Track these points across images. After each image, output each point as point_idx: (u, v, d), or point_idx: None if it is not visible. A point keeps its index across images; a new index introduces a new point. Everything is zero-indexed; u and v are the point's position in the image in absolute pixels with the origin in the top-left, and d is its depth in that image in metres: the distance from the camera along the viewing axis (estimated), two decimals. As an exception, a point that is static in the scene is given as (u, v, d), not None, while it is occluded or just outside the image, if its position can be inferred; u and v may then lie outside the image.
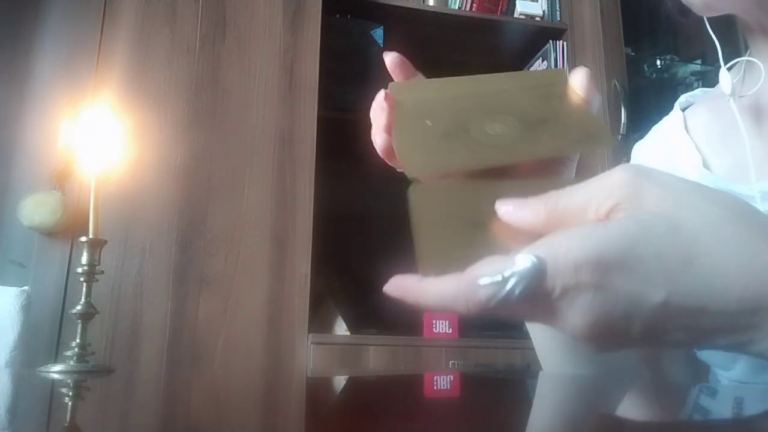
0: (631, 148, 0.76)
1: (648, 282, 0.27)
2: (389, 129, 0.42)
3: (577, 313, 0.28)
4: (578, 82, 0.40)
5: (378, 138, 0.43)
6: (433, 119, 0.39)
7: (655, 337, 0.29)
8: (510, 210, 0.31)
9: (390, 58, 0.45)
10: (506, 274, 0.27)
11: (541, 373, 0.60)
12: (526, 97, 0.40)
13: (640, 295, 0.27)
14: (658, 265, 0.27)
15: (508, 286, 0.27)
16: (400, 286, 0.31)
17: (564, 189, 0.31)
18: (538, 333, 0.57)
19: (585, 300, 0.27)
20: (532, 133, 0.37)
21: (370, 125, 0.44)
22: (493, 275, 0.28)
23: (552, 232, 0.29)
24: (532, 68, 2.19)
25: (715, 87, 0.68)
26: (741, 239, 0.28)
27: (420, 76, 0.46)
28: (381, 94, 0.42)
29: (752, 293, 0.27)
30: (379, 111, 0.42)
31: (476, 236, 0.32)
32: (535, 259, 0.27)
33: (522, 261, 0.27)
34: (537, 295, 0.28)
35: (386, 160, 0.44)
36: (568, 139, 0.38)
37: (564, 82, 0.41)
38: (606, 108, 1.90)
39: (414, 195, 0.34)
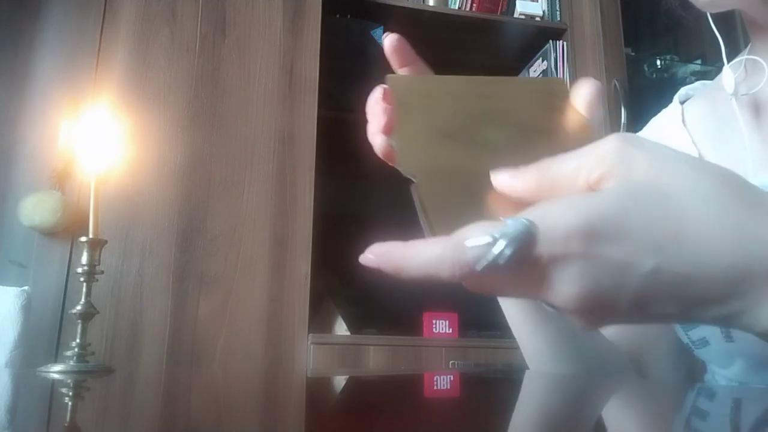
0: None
1: (637, 251, 0.27)
2: (388, 129, 0.39)
3: (566, 283, 0.27)
4: (582, 95, 0.38)
5: (377, 138, 0.40)
6: (433, 116, 0.38)
7: (644, 308, 0.28)
8: (504, 179, 0.31)
9: (389, 41, 0.42)
10: (496, 235, 0.27)
11: (527, 372, 0.60)
12: (526, 105, 0.39)
13: (629, 264, 0.27)
14: (647, 234, 0.27)
15: (497, 248, 0.26)
16: (380, 252, 0.29)
17: (555, 157, 0.31)
18: (521, 329, 0.57)
19: (574, 269, 0.27)
20: (529, 144, 0.36)
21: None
22: (482, 236, 0.27)
23: (543, 200, 0.29)
24: (532, 68, 2.19)
25: (715, 80, 0.68)
26: (729, 208, 0.28)
27: (420, 62, 0.44)
28: (378, 91, 0.39)
29: (740, 261, 0.27)
30: (378, 110, 0.39)
31: (479, 214, 0.31)
32: (526, 221, 0.27)
33: (513, 224, 0.27)
34: (526, 261, 0.27)
35: (385, 160, 0.42)
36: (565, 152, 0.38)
37: (564, 93, 0.39)
38: (606, 108, 1.90)
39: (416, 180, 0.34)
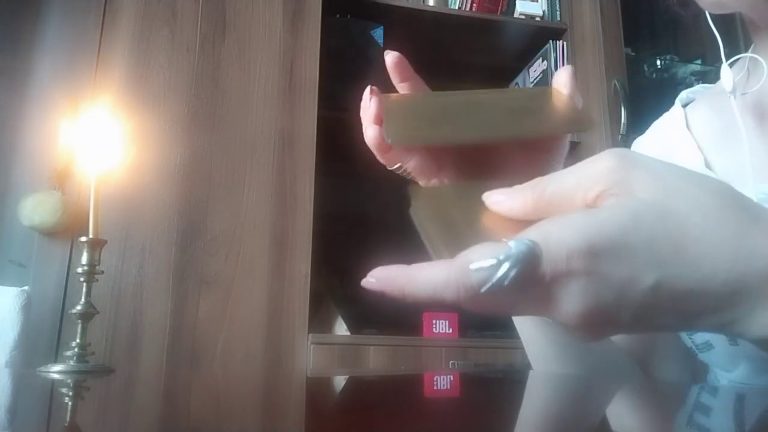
0: (631, 147, 0.76)
1: (638, 268, 0.27)
2: (379, 119, 0.43)
3: (569, 301, 0.28)
4: (562, 79, 0.44)
5: (369, 130, 0.44)
6: (422, 112, 0.43)
7: (645, 321, 0.29)
8: (499, 200, 0.32)
9: (390, 59, 0.47)
10: (500, 257, 0.27)
11: (531, 372, 0.60)
12: (513, 98, 0.46)
13: (630, 281, 0.27)
14: (648, 252, 0.27)
15: (502, 270, 0.27)
16: (383, 276, 0.29)
17: (551, 175, 0.31)
18: (527, 331, 0.57)
19: (577, 287, 0.27)
20: (517, 122, 0.41)
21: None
22: (486, 259, 0.27)
23: (542, 220, 0.29)
24: (532, 68, 2.19)
25: (716, 83, 0.67)
26: (728, 225, 0.28)
27: (418, 79, 0.49)
28: (367, 90, 0.44)
29: (735, 276, 0.28)
30: (367, 104, 0.44)
31: (478, 234, 0.32)
32: (530, 243, 0.27)
33: (517, 245, 0.27)
34: (529, 281, 0.27)
35: (377, 154, 0.45)
36: (550, 123, 0.42)
37: (552, 92, 0.44)
38: (606, 108, 1.90)
39: (415, 199, 0.36)
